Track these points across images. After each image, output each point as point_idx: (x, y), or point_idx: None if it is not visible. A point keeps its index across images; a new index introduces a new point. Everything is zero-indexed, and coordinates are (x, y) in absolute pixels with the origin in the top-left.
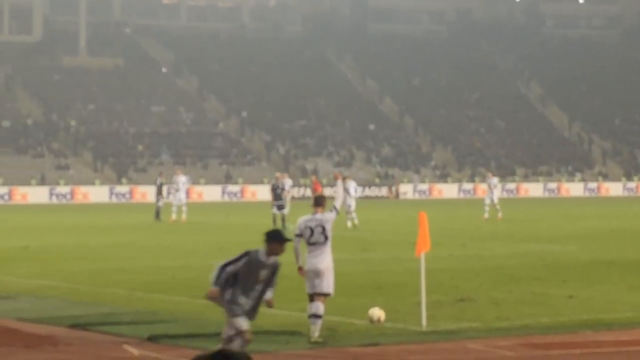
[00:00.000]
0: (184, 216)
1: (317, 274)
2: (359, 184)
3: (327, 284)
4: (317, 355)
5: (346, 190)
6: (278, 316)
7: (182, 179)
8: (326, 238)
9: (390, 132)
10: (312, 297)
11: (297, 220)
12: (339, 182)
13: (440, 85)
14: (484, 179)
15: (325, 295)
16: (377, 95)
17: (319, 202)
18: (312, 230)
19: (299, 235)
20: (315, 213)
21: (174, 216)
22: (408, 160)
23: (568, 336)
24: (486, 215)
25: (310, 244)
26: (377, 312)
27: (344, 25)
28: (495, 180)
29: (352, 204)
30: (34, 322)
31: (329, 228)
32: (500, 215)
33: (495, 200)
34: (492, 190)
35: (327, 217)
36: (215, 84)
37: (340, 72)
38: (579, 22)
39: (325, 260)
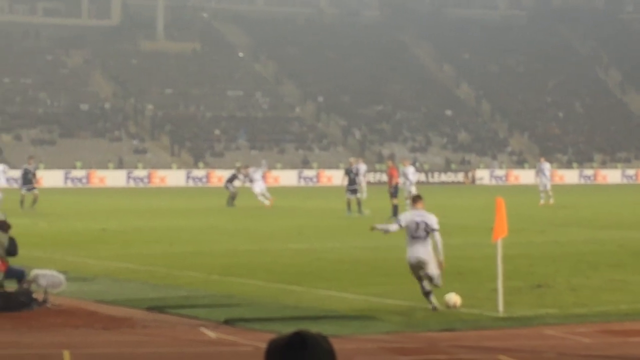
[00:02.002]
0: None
1: (421, 264)
2: (435, 170)
3: (432, 270)
4: (393, 340)
5: (404, 176)
6: (354, 301)
7: (251, 170)
8: (427, 233)
9: (467, 117)
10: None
11: (401, 215)
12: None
13: (517, 70)
14: (561, 165)
15: (436, 275)
16: (454, 81)
17: (419, 199)
18: (417, 225)
19: (401, 227)
20: (416, 209)
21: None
22: (485, 146)
23: None
24: (542, 201)
25: (414, 237)
26: (454, 298)
27: (422, 10)
28: (547, 165)
29: (413, 189)
30: (111, 304)
31: (431, 224)
32: (551, 201)
33: (548, 186)
34: (545, 175)
35: (432, 217)
36: (292, 69)
37: (417, 57)
38: None
39: (426, 251)
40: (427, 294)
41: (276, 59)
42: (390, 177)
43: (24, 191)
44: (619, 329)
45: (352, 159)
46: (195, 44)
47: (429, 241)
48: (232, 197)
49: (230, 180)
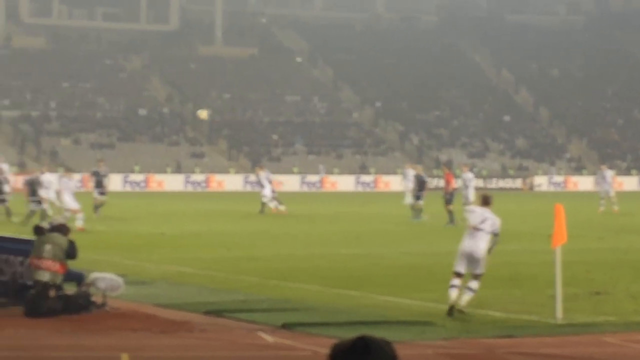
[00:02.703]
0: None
1: (473, 258)
2: (493, 176)
3: (481, 267)
4: (452, 345)
5: (463, 182)
6: (411, 306)
7: (262, 175)
8: (487, 230)
9: (525, 123)
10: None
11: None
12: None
13: (576, 76)
14: (620, 172)
15: (479, 275)
16: (512, 86)
17: (489, 200)
18: (484, 219)
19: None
20: (485, 209)
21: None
22: (543, 152)
23: None
24: (602, 208)
25: (476, 228)
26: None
27: (479, 15)
28: (610, 172)
29: (471, 195)
30: (169, 307)
31: (495, 226)
32: (616, 208)
33: (611, 193)
34: (607, 182)
35: (497, 220)
36: (349, 74)
37: (475, 62)
38: None
39: (482, 247)
40: (453, 287)
41: (333, 64)
42: (447, 183)
43: (96, 194)
44: None
45: (418, 166)
46: (253, 49)
47: (487, 239)
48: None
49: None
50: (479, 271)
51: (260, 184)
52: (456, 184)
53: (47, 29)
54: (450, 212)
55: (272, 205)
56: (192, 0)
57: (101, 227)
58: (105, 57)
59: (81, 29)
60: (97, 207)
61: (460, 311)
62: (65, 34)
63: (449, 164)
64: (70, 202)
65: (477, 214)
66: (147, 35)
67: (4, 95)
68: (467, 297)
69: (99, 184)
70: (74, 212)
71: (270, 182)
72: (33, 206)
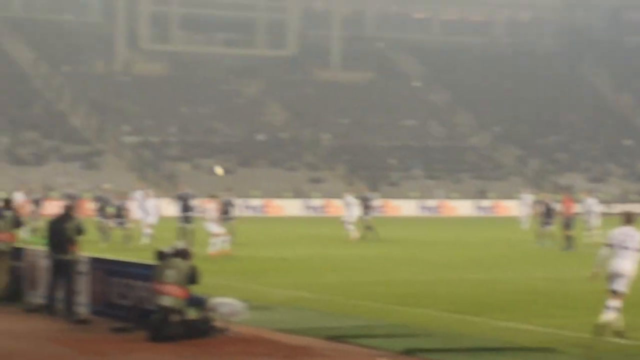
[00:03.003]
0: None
1: (619, 277)
2: (614, 201)
3: (624, 285)
4: None
5: (587, 207)
6: (534, 333)
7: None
8: (633, 248)
9: None
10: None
11: (609, 233)
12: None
13: None
14: None
15: (620, 293)
16: (633, 110)
17: (633, 217)
18: (626, 237)
19: (610, 245)
20: (628, 226)
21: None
22: None
23: None
24: None
25: (622, 247)
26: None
27: (599, 38)
28: None
29: (594, 220)
30: (291, 332)
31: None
32: None
33: None
34: None
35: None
36: (466, 98)
37: (594, 86)
38: None
39: (628, 266)
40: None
41: (451, 88)
42: (566, 208)
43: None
44: None
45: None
46: (371, 73)
47: (635, 258)
48: (367, 228)
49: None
50: (621, 289)
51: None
52: (576, 209)
53: (166, 55)
54: (568, 238)
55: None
56: (310, 25)
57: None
58: (224, 82)
59: (200, 54)
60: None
61: (618, 332)
62: (184, 60)
63: (568, 189)
64: (212, 226)
65: (614, 235)
66: (265, 61)
67: (125, 122)
68: (611, 315)
69: (225, 211)
70: (216, 235)
71: (356, 204)
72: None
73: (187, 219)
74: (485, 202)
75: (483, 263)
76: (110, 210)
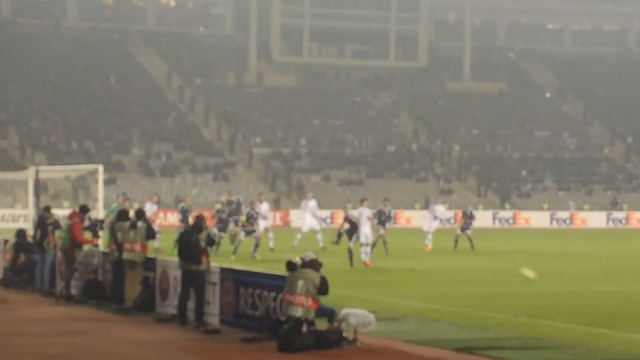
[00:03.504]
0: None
1: None
2: None
3: None
4: None
5: None
6: None
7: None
8: None
9: None
10: None
11: None
12: None
13: None
14: None
15: None
16: None
17: None
18: None
19: None
20: None
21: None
22: None
23: None
24: None
25: None
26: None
27: None
28: None
29: None
30: (420, 344)
31: None
32: None
33: None
34: None
35: None
36: (600, 109)
37: None
38: None
39: None
40: None
41: (584, 99)
42: None
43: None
44: None
45: None
46: (502, 84)
47: None
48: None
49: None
50: None
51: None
52: None
53: (297, 67)
54: None
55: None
56: (440, 36)
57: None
58: (355, 94)
59: (331, 66)
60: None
61: None
62: (315, 72)
63: None
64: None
65: None
66: (395, 72)
67: (256, 133)
68: None
69: (381, 222)
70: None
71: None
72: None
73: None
74: (618, 214)
75: (615, 275)
76: (242, 219)
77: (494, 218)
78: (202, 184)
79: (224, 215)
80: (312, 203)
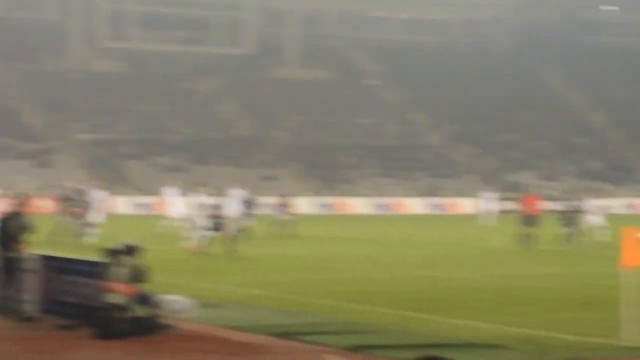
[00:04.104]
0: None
1: None
2: (567, 199)
3: None
4: None
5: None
6: (485, 329)
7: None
8: None
9: (599, 145)
10: None
11: None
12: None
13: None
14: None
15: None
16: (587, 108)
17: None
18: None
19: None
20: None
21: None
22: (617, 174)
23: None
24: None
25: None
26: None
27: (554, 38)
28: None
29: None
30: (241, 330)
31: None
32: None
33: None
34: None
35: None
36: (422, 97)
37: (549, 84)
38: None
39: None
40: None
41: (407, 87)
42: (527, 205)
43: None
44: None
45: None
46: (327, 72)
47: None
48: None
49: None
50: None
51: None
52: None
53: (123, 53)
54: (529, 236)
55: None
56: (267, 24)
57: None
58: (180, 80)
59: (156, 52)
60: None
61: None
62: (141, 58)
63: (529, 187)
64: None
65: None
66: (221, 59)
67: (80, 119)
68: None
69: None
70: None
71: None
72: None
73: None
74: (440, 200)
75: (436, 261)
76: (75, 206)
77: (318, 204)
78: (24, 170)
79: (74, 203)
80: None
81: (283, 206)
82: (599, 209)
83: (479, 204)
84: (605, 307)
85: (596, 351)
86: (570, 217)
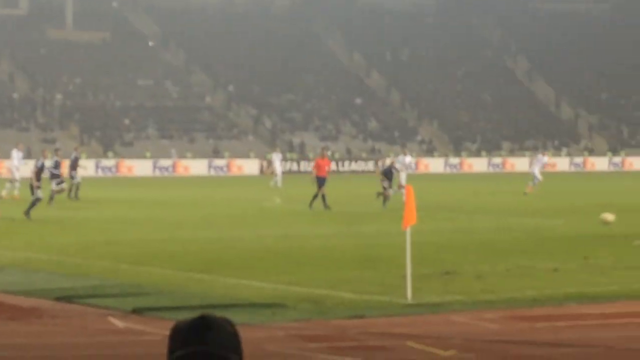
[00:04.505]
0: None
1: None
2: (345, 159)
3: None
4: (303, 327)
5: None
6: (264, 289)
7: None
8: None
9: (377, 106)
10: None
11: None
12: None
13: (428, 59)
14: (470, 154)
15: None
16: (364, 70)
17: None
18: None
19: None
20: None
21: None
22: (395, 134)
23: (553, 309)
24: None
25: None
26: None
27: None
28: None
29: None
30: (19, 294)
31: None
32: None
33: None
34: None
35: None
36: (202, 58)
37: (328, 46)
38: None
39: None
40: None
41: (186, 48)
42: (319, 167)
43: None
44: (525, 315)
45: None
46: (105, 33)
47: None
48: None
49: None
50: None
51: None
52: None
53: None
54: (322, 196)
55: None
56: None
57: None
58: None
59: None
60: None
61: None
62: None
63: (324, 150)
64: None
65: None
66: None
67: None
68: None
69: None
70: None
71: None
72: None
73: None
74: (220, 162)
75: (217, 222)
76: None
77: (97, 167)
78: None
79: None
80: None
81: (71, 169)
82: (406, 167)
83: (263, 165)
84: (384, 265)
85: (378, 309)
86: (386, 177)
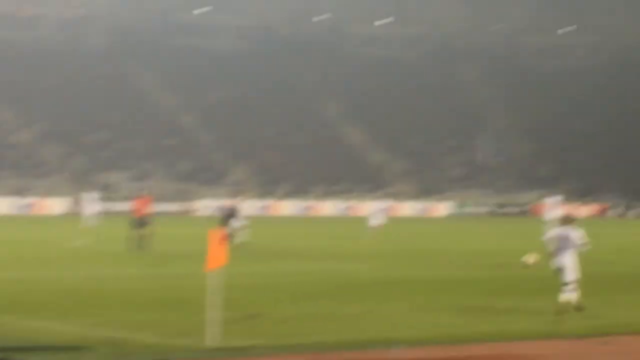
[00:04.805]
0: None
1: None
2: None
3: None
4: None
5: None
6: (65, 332)
7: None
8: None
9: (189, 147)
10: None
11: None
12: None
13: (241, 101)
14: (280, 197)
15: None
16: (177, 110)
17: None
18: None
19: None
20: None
21: None
22: (206, 175)
23: (357, 353)
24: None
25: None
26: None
27: (146, 39)
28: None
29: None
30: None
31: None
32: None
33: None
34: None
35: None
36: (10, 94)
37: (139, 85)
38: (380, 43)
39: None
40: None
41: None
42: (138, 207)
43: None
44: (329, 359)
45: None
46: None
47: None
48: None
49: None
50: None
51: None
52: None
53: None
54: (142, 237)
55: None
56: None
57: None
58: None
59: None
60: None
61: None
62: None
63: (143, 189)
64: None
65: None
66: None
67: None
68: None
69: None
70: None
71: None
72: None
73: None
74: (27, 200)
75: (19, 262)
76: None
77: None
78: None
79: None
80: None
81: None
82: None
83: (78, 205)
84: (189, 308)
85: (179, 352)
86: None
